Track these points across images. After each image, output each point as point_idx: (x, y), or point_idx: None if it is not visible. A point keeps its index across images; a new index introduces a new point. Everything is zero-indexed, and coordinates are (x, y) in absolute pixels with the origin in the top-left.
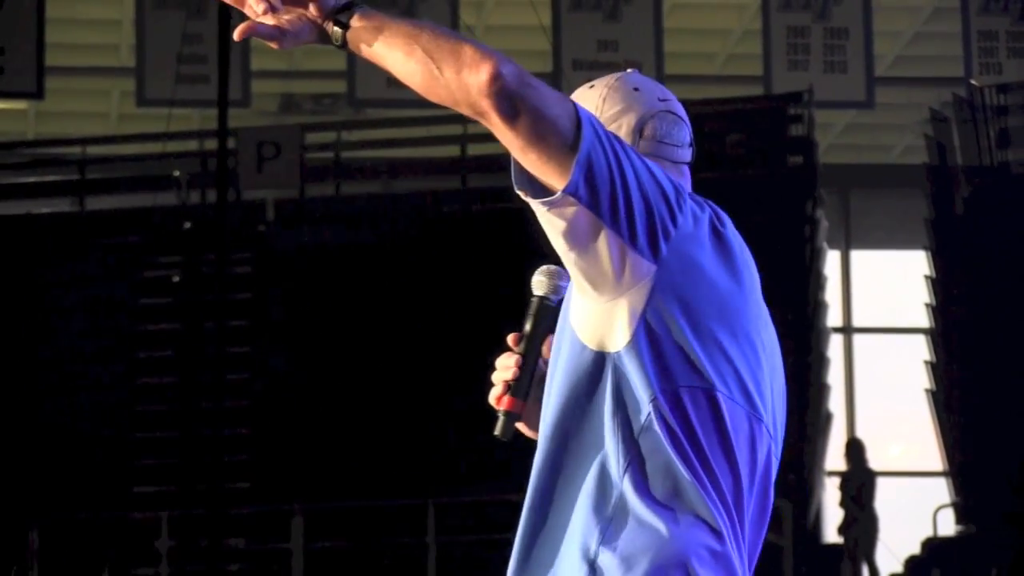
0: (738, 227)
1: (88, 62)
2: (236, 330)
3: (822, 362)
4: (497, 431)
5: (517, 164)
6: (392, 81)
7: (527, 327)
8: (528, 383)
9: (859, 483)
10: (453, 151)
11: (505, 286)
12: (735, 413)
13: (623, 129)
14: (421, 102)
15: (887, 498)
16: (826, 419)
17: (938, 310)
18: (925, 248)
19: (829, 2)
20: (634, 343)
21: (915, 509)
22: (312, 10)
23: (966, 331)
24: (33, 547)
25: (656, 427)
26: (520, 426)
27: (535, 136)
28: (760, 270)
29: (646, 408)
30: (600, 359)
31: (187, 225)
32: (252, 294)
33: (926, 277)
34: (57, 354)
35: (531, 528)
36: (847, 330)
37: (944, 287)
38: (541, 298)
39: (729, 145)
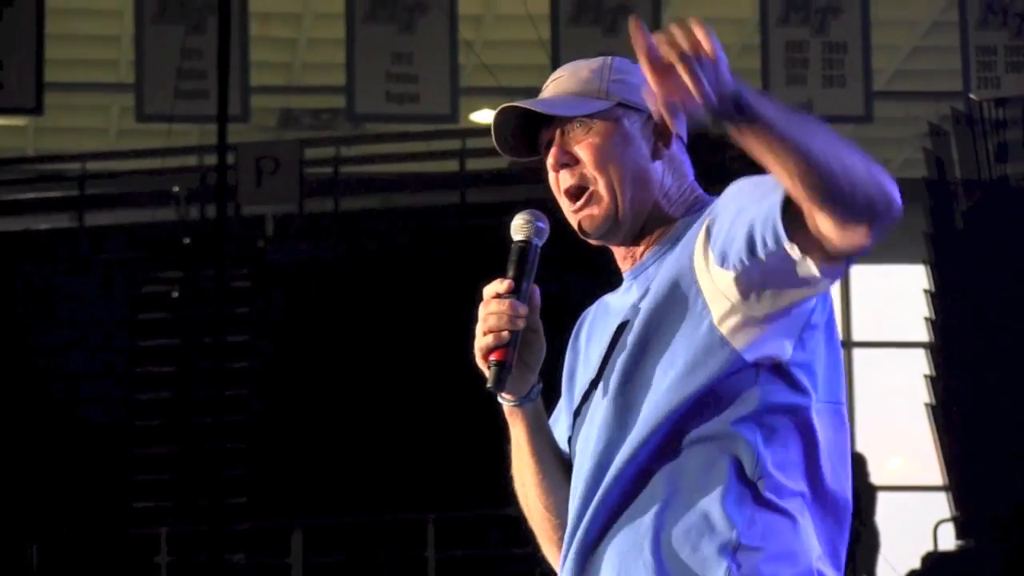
0: None
1: (87, 78)
2: (235, 345)
3: None
4: (489, 383)
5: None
6: (391, 96)
7: (512, 274)
8: (519, 333)
9: (860, 498)
10: (452, 166)
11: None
12: (845, 430)
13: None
14: (420, 117)
15: (887, 512)
16: None
17: (938, 324)
18: (924, 262)
19: (827, 17)
20: (796, 353)
21: (915, 523)
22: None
23: (966, 345)
24: (33, 563)
25: (798, 436)
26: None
27: (862, 248)
28: None
29: (795, 417)
30: (751, 365)
31: (186, 240)
32: (251, 309)
33: (925, 291)
34: (56, 369)
35: (608, 515)
36: (846, 344)
37: (944, 301)
38: (524, 242)
39: (728, 159)
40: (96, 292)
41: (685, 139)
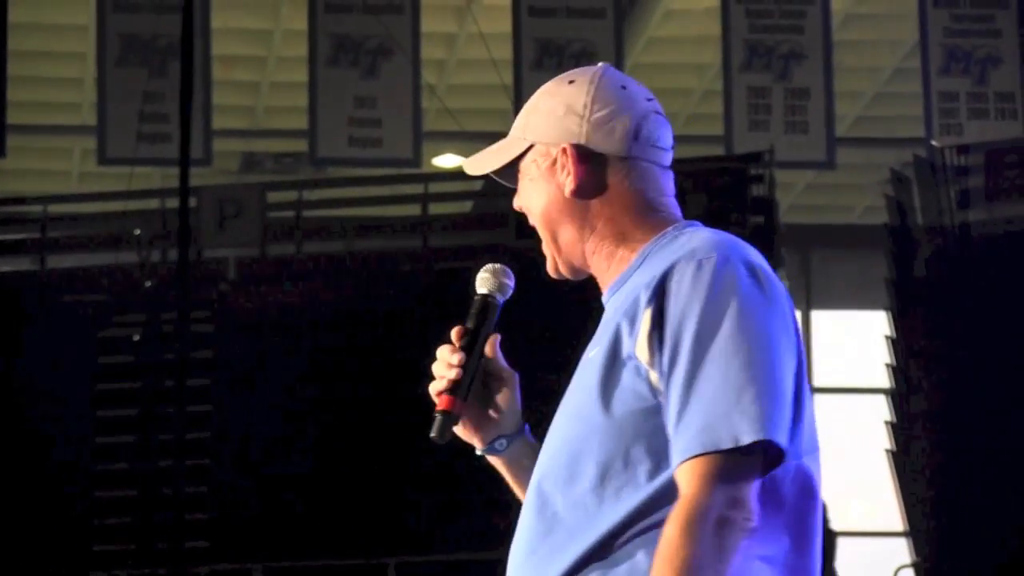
0: None
1: (50, 120)
2: (196, 389)
3: None
4: (433, 432)
5: None
6: (354, 140)
7: (471, 325)
8: (469, 383)
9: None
10: (415, 210)
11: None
12: None
13: (617, 132)
14: (382, 161)
15: (848, 559)
16: None
17: (899, 370)
18: (886, 308)
19: (790, 63)
20: None
21: (876, 569)
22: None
23: (927, 391)
24: None
25: None
26: (457, 429)
27: None
28: None
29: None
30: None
31: (148, 284)
32: (213, 353)
33: (887, 337)
34: (16, 412)
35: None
36: None
37: (905, 348)
38: (486, 296)
39: (690, 205)
40: (58, 335)
41: (642, 155)
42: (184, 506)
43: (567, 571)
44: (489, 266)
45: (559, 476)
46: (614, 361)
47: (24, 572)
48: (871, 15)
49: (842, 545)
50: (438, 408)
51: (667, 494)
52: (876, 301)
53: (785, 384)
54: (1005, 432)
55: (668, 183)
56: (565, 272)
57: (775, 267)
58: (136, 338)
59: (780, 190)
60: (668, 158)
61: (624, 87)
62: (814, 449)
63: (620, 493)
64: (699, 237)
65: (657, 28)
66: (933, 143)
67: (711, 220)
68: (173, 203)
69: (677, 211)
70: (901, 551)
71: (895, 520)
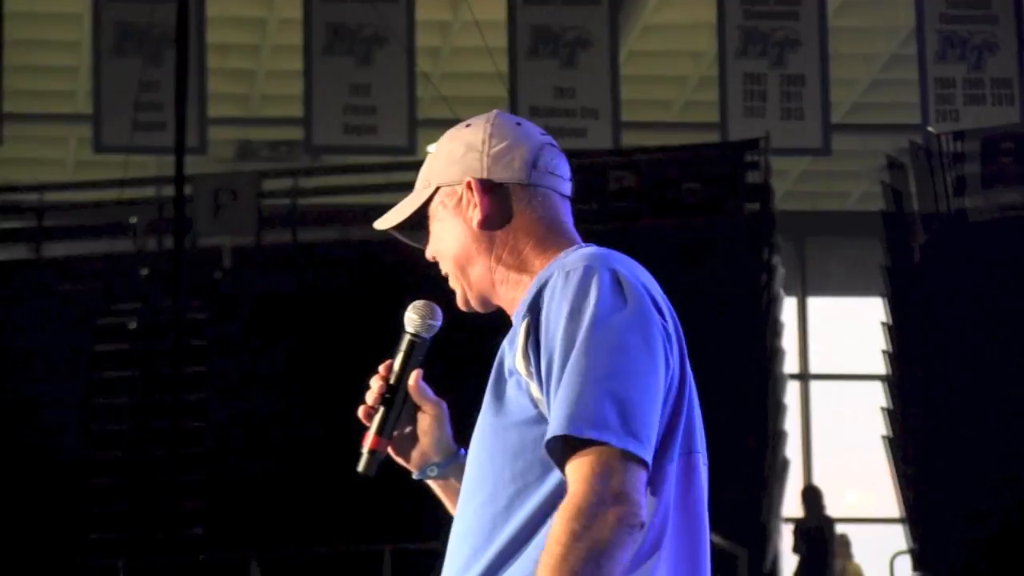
0: (695, 274)
1: (46, 109)
2: (192, 376)
3: (778, 409)
4: (360, 468)
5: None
6: (349, 127)
7: (397, 364)
8: (395, 420)
9: (817, 530)
10: None
11: (461, 332)
12: None
13: (516, 162)
14: (377, 148)
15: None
16: (782, 466)
17: (895, 357)
18: (882, 295)
19: (785, 49)
20: None
21: (872, 555)
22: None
23: (923, 378)
24: None
25: None
26: (398, 460)
27: None
28: (716, 317)
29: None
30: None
31: (143, 272)
32: (208, 341)
33: (883, 324)
34: (13, 400)
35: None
36: (803, 377)
37: (901, 334)
38: (413, 335)
39: (686, 192)
40: (54, 323)
41: (541, 183)
42: (180, 494)
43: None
44: (416, 305)
45: (465, 492)
46: (499, 378)
47: (20, 559)
48: (867, 1)
49: (839, 532)
50: (367, 447)
51: (556, 501)
52: (872, 288)
53: (635, 386)
54: (1001, 417)
55: (568, 210)
56: (476, 306)
57: (771, 254)
58: (132, 326)
59: (776, 177)
60: (567, 187)
61: (519, 123)
62: (694, 451)
63: (513, 504)
64: (577, 254)
65: (652, 15)
66: (929, 129)
67: (707, 207)
68: (168, 191)
69: (577, 237)
70: (897, 538)
71: (891, 506)
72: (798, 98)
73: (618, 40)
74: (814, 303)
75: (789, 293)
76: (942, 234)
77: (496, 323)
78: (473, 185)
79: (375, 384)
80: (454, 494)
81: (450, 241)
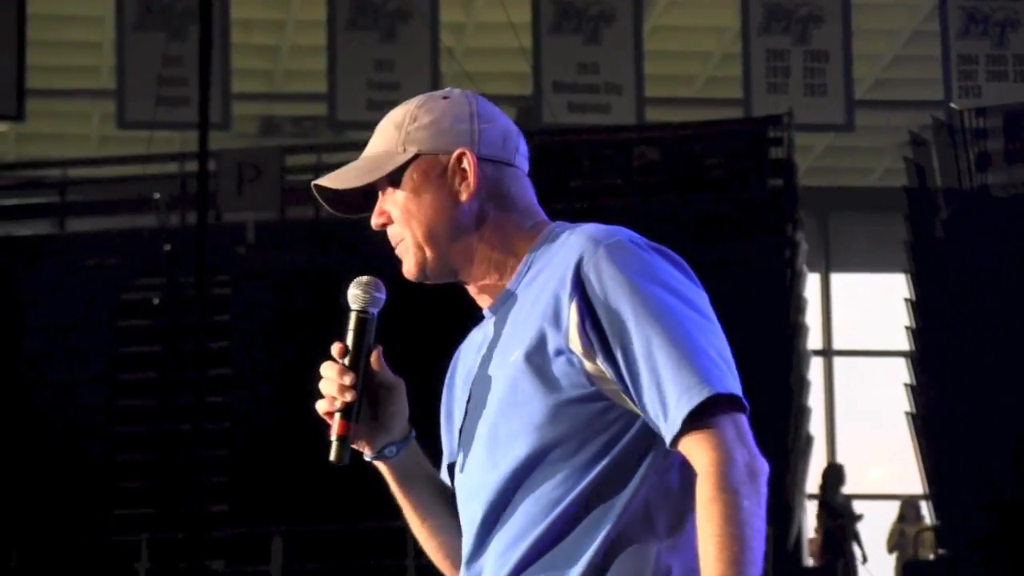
0: (718, 249)
1: (69, 84)
2: (216, 352)
3: (802, 385)
4: (332, 457)
5: None
6: (372, 103)
7: (351, 343)
8: (360, 403)
9: (841, 508)
10: None
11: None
12: None
13: (502, 142)
14: None
15: (867, 521)
16: (806, 442)
17: (918, 333)
18: (905, 271)
19: (809, 25)
20: None
21: None
22: None
23: (946, 354)
24: (13, 568)
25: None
26: (357, 446)
27: None
28: (740, 292)
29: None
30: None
31: (167, 247)
32: (232, 316)
33: (906, 300)
34: (38, 376)
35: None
36: (827, 353)
37: (924, 310)
38: (361, 312)
39: (709, 167)
40: (78, 299)
41: (520, 166)
42: (204, 470)
43: (525, 558)
44: (359, 280)
45: (506, 472)
46: (543, 359)
47: (45, 535)
48: None
49: (861, 508)
50: (336, 434)
51: (613, 476)
52: (895, 263)
53: (722, 342)
54: None
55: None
56: (433, 276)
57: (794, 230)
58: (156, 301)
59: (799, 153)
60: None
61: (492, 104)
62: None
63: (568, 480)
64: (586, 228)
65: None
66: (952, 105)
67: (730, 183)
68: (192, 167)
69: (545, 216)
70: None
71: (915, 483)
72: (821, 74)
73: (642, 15)
74: (838, 279)
75: (812, 269)
76: (965, 210)
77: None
78: (468, 159)
79: (331, 371)
80: (407, 478)
81: (428, 211)
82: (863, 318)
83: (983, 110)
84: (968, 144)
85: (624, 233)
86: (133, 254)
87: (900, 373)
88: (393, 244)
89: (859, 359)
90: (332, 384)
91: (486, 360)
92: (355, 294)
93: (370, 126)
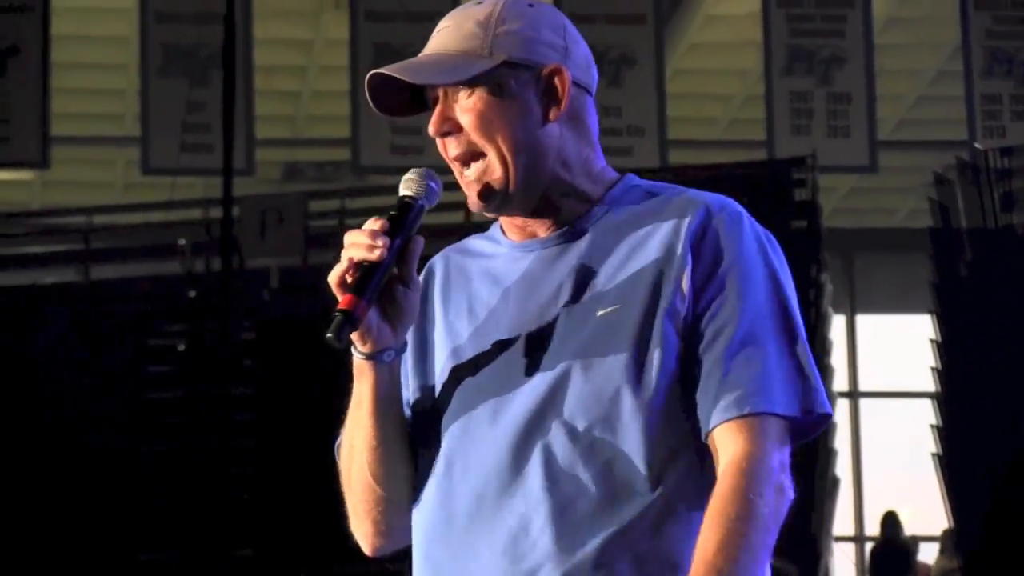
0: None
1: (93, 131)
2: (240, 398)
3: (829, 426)
4: (329, 332)
5: None
6: (396, 148)
7: (392, 222)
8: (378, 284)
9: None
10: (456, 217)
11: None
12: None
13: (592, 68)
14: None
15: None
16: (833, 483)
17: (944, 374)
18: (930, 312)
19: (832, 67)
20: None
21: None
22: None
23: (973, 395)
24: None
25: None
26: (356, 335)
27: None
28: None
29: None
30: None
31: (191, 293)
32: (256, 362)
33: (932, 341)
34: (62, 422)
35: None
36: (853, 395)
37: (950, 351)
38: (411, 198)
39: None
40: (102, 345)
41: (592, 93)
42: (229, 514)
43: (611, 536)
44: (415, 170)
45: (593, 438)
46: (651, 318)
47: None
48: (912, 18)
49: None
50: (340, 306)
51: (704, 450)
52: (920, 305)
53: (811, 357)
54: None
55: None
56: (514, 197)
57: (819, 271)
58: (180, 348)
59: (823, 194)
60: None
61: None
62: None
63: (655, 460)
64: (703, 194)
65: (698, 33)
66: (976, 145)
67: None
68: (216, 213)
69: None
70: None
71: (942, 524)
72: (844, 116)
73: (663, 58)
74: (863, 320)
75: (838, 310)
76: (990, 249)
77: None
78: (564, 76)
79: (361, 235)
80: (386, 390)
81: (514, 125)
82: (889, 359)
83: (1008, 150)
84: (992, 184)
85: (740, 207)
86: (157, 301)
87: (926, 414)
88: (451, 158)
89: (885, 400)
90: (358, 248)
91: (541, 300)
92: (408, 179)
93: (394, 171)
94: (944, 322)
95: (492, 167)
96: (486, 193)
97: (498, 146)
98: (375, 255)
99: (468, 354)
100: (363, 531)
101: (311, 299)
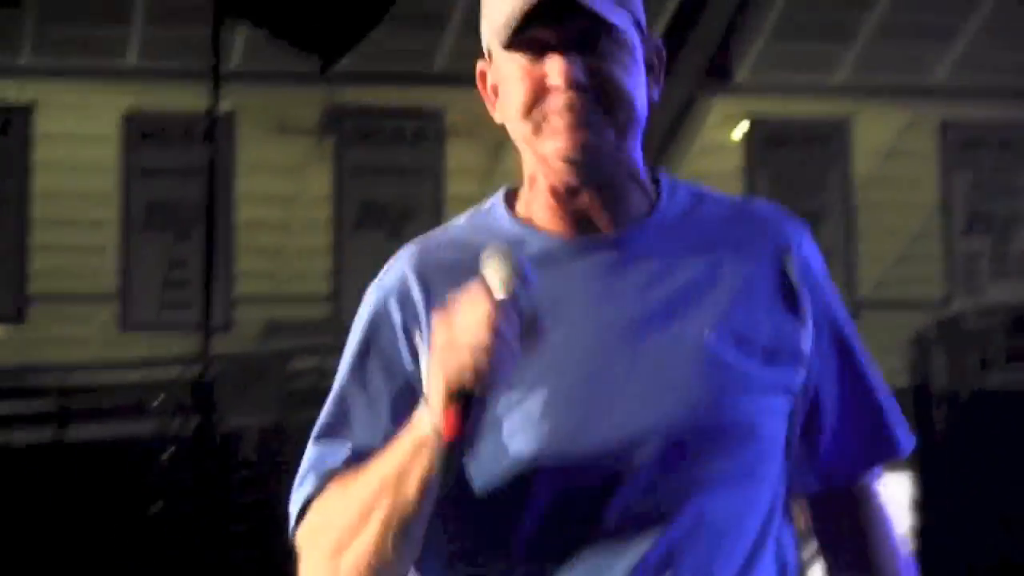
0: None
1: (71, 288)
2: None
3: None
4: (449, 432)
5: None
6: None
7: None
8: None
9: None
10: None
11: None
12: None
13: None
14: None
15: None
16: None
17: (921, 534)
18: (908, 470)
19: (812, 225)
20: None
21: None
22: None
23: (950, 554)
24: None
25: None
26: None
27: None
28: None
29: None
30: None
31: (168, 453)
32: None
33: (910, 500)
34: None
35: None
36: None
37: (927, 510)
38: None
39: None
40: (77, 507)
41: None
42: None
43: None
44: (501, 259)
45: (712, 448)
46: (760, 349)
47: None
48: (892, 177)
49: None
50: (447, 438)
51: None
52: (898, 463)
53: None
54: None
55: None
56: (605, 167)
57: None
58: (156, 509)
59: None
60: None
61: None
62: None
63: (760, 490)
64: (771, 205)
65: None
66: (955, 305)
67: None
68: (194, 371)
69: None
70: None
71: None
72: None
73: None
74: None
75: None
76: (968, 410)
77: None
78: (662, 57)
79: (481, 310)
80: (450, 466)
81: (641, 90)
82: None
83: (987, 310)
84: (971, 344)
85: None
86: (133, 461)
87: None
88: (572, 107)
89: None
90: (478, 331)
91: (611, 312)
92: (496, 269)
93: None
94: (922, 481)
95: (607, 129)
96: (587, 151)
97: (624, 111)
98: (501, 352)
99: (531, 397)
100: None
101: (291, 459)
